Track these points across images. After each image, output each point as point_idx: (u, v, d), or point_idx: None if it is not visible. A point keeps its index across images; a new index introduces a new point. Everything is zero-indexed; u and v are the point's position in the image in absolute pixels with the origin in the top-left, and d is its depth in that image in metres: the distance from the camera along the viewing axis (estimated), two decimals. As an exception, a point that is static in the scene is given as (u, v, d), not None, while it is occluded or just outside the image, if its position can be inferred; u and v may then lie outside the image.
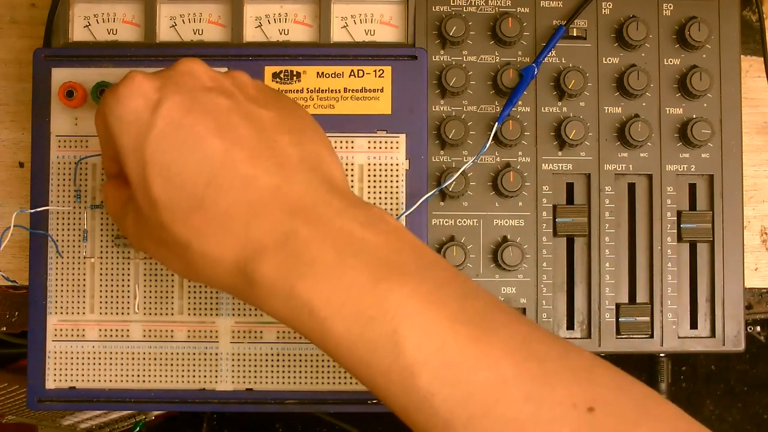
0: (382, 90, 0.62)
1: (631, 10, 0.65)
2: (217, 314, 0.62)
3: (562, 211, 0.64)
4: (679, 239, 0.64)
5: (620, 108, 0.65)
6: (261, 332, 0.62)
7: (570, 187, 0.65)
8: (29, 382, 0.62)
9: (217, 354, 0.61)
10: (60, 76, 0.62)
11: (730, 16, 0.65)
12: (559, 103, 0.65)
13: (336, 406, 0.61)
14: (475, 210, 0.64)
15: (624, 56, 0.65)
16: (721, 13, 0.65)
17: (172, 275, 0.62)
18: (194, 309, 0.62)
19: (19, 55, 0.69)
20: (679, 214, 0.64)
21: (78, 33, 0.65)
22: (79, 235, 0.62)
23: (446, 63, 0.64)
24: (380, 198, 0.62)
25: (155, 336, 0.62)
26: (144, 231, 0.51)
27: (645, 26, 0.64)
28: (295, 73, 0.63)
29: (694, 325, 0.65)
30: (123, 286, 0.62)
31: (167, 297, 0.62)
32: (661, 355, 0.67)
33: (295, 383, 0.61)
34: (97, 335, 0.62)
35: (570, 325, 0.64)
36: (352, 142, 0.62)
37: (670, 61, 0.65)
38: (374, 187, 0.62)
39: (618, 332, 0.64)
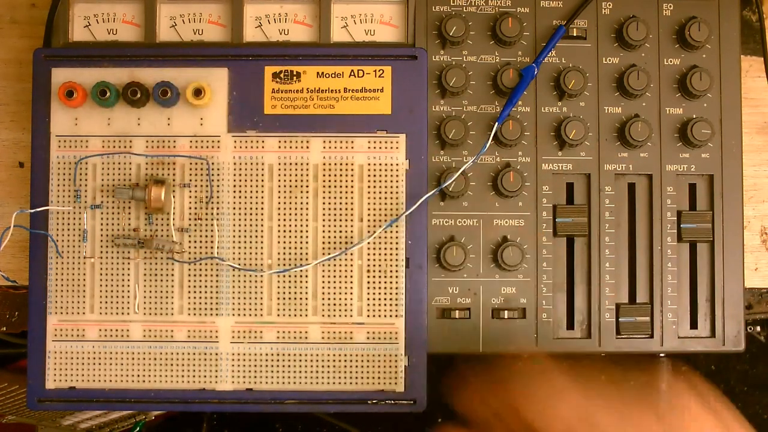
0: (382, 90, 0.62)
1: (631, 10, 0.65)
2: (217, 314, 0.62)
3: (562, 211, 0.64)
4: (679, 239, 0.64)
5: (620, 108, 0.65)
6: (261, 332, 0.62)
7: (570, 187, 0.65)
8: (29, 382, 0.62)
9: (217, 354, 0.61)
10: (60, 76, 0.62)
11: (730, 16, 0.65)
12: (559, 103, 0.65)
13: (336, 406, 0.61)
14: (475, 210, 0.64)
15: (624, 56, 0.65)
16: (721, 13, 0.65)
17: (172, 275, 0.62)
18: (194, 309, 0.62)
19: (19, 55, 0.69)
20: (679, 214, 0.64)
21: (78, 33, 0.65)
22: (79, 235, 0.62)
23: (446, 63, 0.64)
24: (380, 198, 0.62)
25: (155, 336, 0.62)
26: None
27: (645, 26, 0.64)
28: (295, 73, 0.63)
29: (694, 325, 0.65)
30: (123, 286, 0.62)
31: (167, 297, 0.62)
32: (661, 355, 0.67)
33: (295, 383, 0.61)
34: (97, 335, 0.62)
35: (570, 325, 0.64)
36: (352, 142, 0.62)
37: (670, 61, 0.65)
38: (374, 187, 0.62)
39: (618, 332, 0.64)
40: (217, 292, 0.62)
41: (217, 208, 0.62)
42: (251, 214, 0.62)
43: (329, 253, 0.61)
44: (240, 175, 0.62)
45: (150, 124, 0.62)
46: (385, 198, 0.62)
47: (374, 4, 0.64)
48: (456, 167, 0.63)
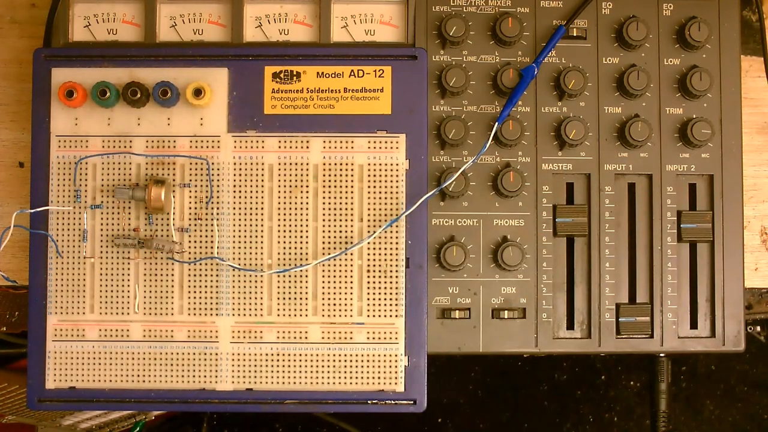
0: (382, 90, 0.62)
1: (631, 10, 0.65)
2: (217, 314, 0.62)
3: (562, 211, 0.64)
4: (679, 239, 0.64)
5: (620, 108, 0.65)
6: (261, 332, 0.62)
7: (570, 187, 0.65)
8: (29, 382, 0.62)
9: (217, 354, 0.61)
10: (60, 76, 0.62)
11: (730, 16, 0.65)
12: (559, 103, 0.65)
13: (336, 406, 0.61)
14: (475, 210, 0.64)
15: (624, 56, 0.65)
16: (721, 13, 0.65)
17: (172, 275, 0.62)
18: (194, 309, 0.62)
19: (20, 55, 0.69)
20: (679, 214, 0.64)
21: (78, 33, 0.65)
22: (79, 235, 0.62)
23: (446, 63, 0.64)
24: (380, 198, 0.62)
25: (155, 336, 0.62)
26: None
27: (645, 26, 0.64)
28: (295, 73, 0.63)
29: (694, 325, 0.65)
30: (123, 286, 0.62)
31: (167, 297, 0.62)
32: (661, 355, 0.67)
33: (295, 383, 0.61)
34: (97, 335, 0.62)
35: (570, 325, 0.64)
36: (352, 142, 0.62)
37: (670, 61, 0.65)
38: (374, 187, 0.62)
39: (618, 332, 0.64)
40: (217, 292, 0.62)
41: (217, 208, 0.62)
42: (251, 214, 0.62)
43: (329, 253, 0.61)
44: (240, 175, 0.62)
45: (150, 124, 0.62)
46: (385, 198, 0.62)
47: (374, 4, 0.65)
48: (456, 167, 0.63)
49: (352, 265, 0.62)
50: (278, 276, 0.62)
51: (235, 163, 0.62)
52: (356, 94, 0.62)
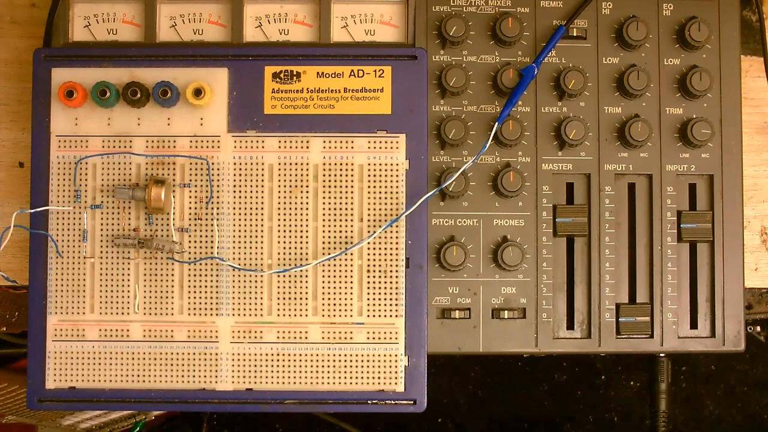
0: (382, 90, 0.62)
1: (631, 10, 0.65)
2: (217, 314, 0.62)
3: (562, 211, 0.64)
4: (679, 239, 0.64)
5: (620, 108, 0.65)
6: (261, 332, 0.62)
7: (570, 187, 0.65)
8: (29, 382, 0.62)
9: (217, 354, 0.61)
10: (60, 76, 0.62)
11: (730, 16, 0.65)
12: (559, 103, 0.65)
13: (336, 406, 0.61)
14: (475, 210, 0.64)
15: (624, 56, 0.65)
16: (721, 13, 0.65)
17: (172, 275, 0.62)
18: (194, 309, 0.62)
19: (20, 55, 0.69)
20: (679, 214, 0.65)
21: (78, 33, 0.65)
22: (79, 235, 0.62)
23: (446, 63, 0.64)
24: (380, 198, 0.62)
25: (155, 336, 0.62)
26: None
27: (645, 26, 0.64)
28: (295, 73, 0.63)
29: (694, 325, 0.65)
30: (123, 286, 0.62)
31: (167, 297, 0.62)
32: (661, 355, 0.67)
33: (295, 383, 0.61)
34: (97, 335, 0.62)
35: (570, 325, 0.64)
36: (352, 142, 0.62)
37: (670, 61, 0.65)
38: (374, 187, 0.62)
39: (618, 332, 0.64)
40: (217, 292, 0.62)
41: (217, 208, 0.62)
42: (251, 214, 0.62)
43: (329, 253, 0.61)
44: (240, 175, 0.62)
45: (150, 124, 0.62)
46: (385, 198, 0.62)
47: (374, 4, 0.65)
48: (456, 167, 0.63)
49: (352, 265, 0.62)
50: (278, 276, 0.62)
51: (235, 163, 0.62)
52: (356, 94, 0.63)
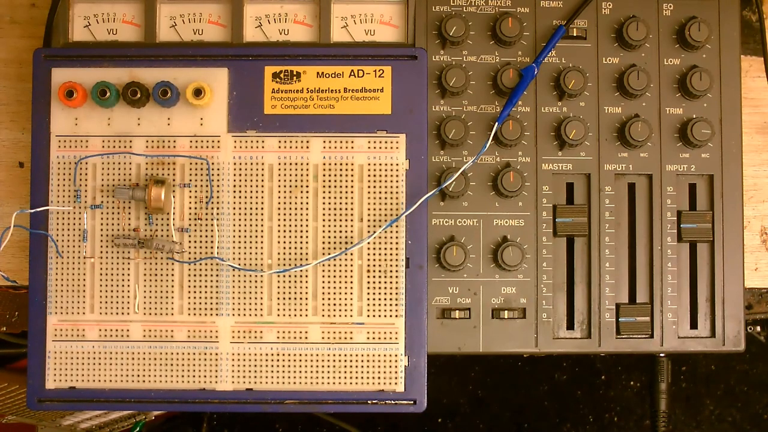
0: (382, 90, 0.62)
1: (631, 10, 0.65)
2: (217, 314, 0.62)
3: (562, 211, 0.64)
4: (679, 239, 0.64)
5: (620, 108, 0.65)
6: (261, 332, 0.62)
7: (570, 187, 0.65)
8: (29, 382, 0.62)
9: (217, 354, 0.61)
10: (60, 76, 0.62)
11: (730, 16, 0.65)
12: (559, 103, 0.65)
13: (336, 406, 0.61)
14: (475, 210, 0.64)
15: (624, 56, 0.65)
16: (721, 13, 0.65)
17: (172, 275, 0.62)
18: (194, 309, 0.62)
19: (20, 55, 0.69)
20: (679, 214, 0.65)
21: (78, 33, 0.65)
22: (79, 235, 0.62)
23: (446, 63, 0.64)
24: (380, 198, 0.62)
25: (155, 336, 0.62)
26: None
27: (645, 26, 0.64)
28: (295, 73, 0.63)
29: (694, 325, 0.65)
30: (123, 286, 0.62)
31: (167, 297, 0.62)
32: (661, 355, 0.67)
33: (295, 383, 0.61)
34: (97, 335, 0.62)
35: (570, 325, 0.64)
36: (352, 142, 0.62)
37: (670, 61, 0.65)
38: (374, 187, 0.62)
39: (618, 332, 0.64)
40: (217, 292, 0.62)
41: (217, 208, 0.62)
42: (251, 214, 0.62)
43: (329, 253, 0.61)
44: (240, 175, 0.62)
45: (150, 124, 0.62)
46: (385, 198, 0.62)
47: (374, 4, 0.65)
48: (456, 167, 0.63)
49: (352, 265, 0.62)
50: (278, 276, 0.62)
51: (235, 163, 0.62)
52: (356, 94, 0.63)
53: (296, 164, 0.62)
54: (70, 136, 0.62)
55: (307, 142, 0.62)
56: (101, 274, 0.62)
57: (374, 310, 0.61)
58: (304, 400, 0.61)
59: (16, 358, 0.89)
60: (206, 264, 0.62)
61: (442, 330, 0.63)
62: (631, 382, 1.33)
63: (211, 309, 0.62)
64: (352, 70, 0.63)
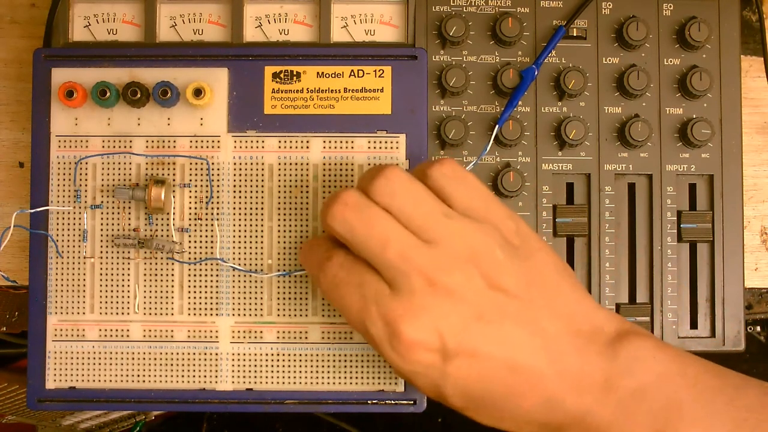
0: (382, 90, 0.62)
1: (631, 10, 0.65)
2: (217, 314, 0.62)
3: (562, 211, 0.64)
4: (679, 239, 0.64)
5: (620, 108, 0.65)
6: (261, 332, 0.62)
7: (570, 187, 0.65)
8: (29, 382, 0.62)
9: (217, 354, 0.61)
10: (60, 76, 0.62)
11: (730, 16, 0.65)
12: (559, 103, 0.65)
13: (336, 406, 0.61)
14: (475, 210, 0.64)
15: (624, 56, 0.65)
16: (721, 13, 0.65)
17: (172, 275, 0.62)
18: (194, 309, 0.62)
19: (20, 55, 0.69)
20: (679, 214, 0.64)
21: (78, 33, 0.65)
22: (79, 235, 0.62)
23: (446, 63, 0.64)
24: (380, 198, 0.62)
25: (155, 336, 0.62)
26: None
27: (645, 26, 0.64)
28: (295, 73, 0.63)
29: (694, 325, 0.65)
30: (123, 286, 0.62)
31: (167, 297, 0.62)
32: (661, 355, 0.67)
33: (295, 383, 0.61)
34: (97, 335, 0.62)
35: (570, 325, 0.64)
36: (352, 142, 0.62)
37: (670, 61, 0.65)
38: (374, 187, 0.62)
39: (618, 332, 0.64)
40: (217, 292, 0.62)
41: (217, 208, 0.62)
42: (251, 214, 0.62)
43: (329, 253, 0.61)
44: (240, 175, 0.62)
45: (150, 124, 0.62)
46: (385, 198, 0.62)
47: (374, 4, 0.65)
48: (456, 167, 0.63)
49: (352, 265, 0.62)
50: (278, 276, 0.61)
51: (235, 163, 0.62)
52: (356, 94, 0.62)
53: (296, 164, 0.62)
54: (70, 136, 0.62)
55: (307, 142, 0.62)
56: (101, 274, 0.62)
57: (374, 310, 0.61)
58: (304, 400, 0.61)
59: (16, 358, 0.89)
60: (206, 264, 0.61)
61: (442, 330, 0.63)
62: (631, 382, 1.33)
63: (211, 309, 0.62)
64: (352, 70, 0.63)
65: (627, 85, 0.64)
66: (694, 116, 0.64)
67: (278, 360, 0.61)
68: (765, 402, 0.51)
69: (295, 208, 0.62)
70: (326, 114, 0.62)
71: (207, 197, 0.62)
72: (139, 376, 0.62)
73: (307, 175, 0.62)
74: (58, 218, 0.62)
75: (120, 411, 0.96)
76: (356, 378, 0.61)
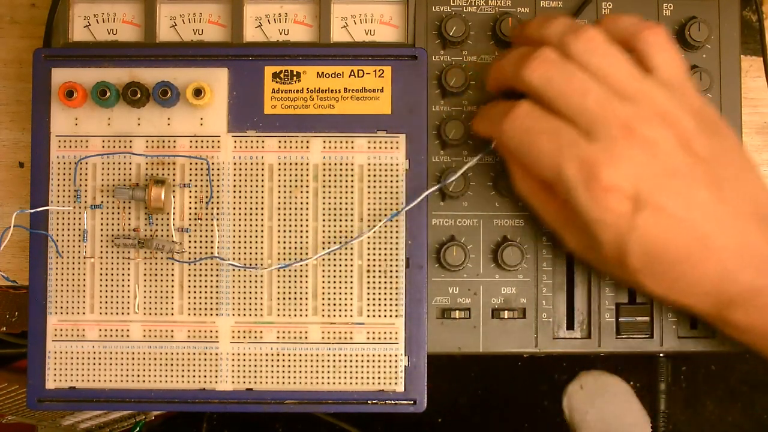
0: (382, 90, 0.62)
1: (631, 10, 0.65)
2: (217, 314, 0.62)
3: (562, 211, 0.64)
4: (679, 239, 0.64)
5: (620, 108, 0.65)
6: (261, 332, 0.62)
7: (570, 187, 0.65)
8: (29, 382, 0.62)
9: (217, 354, 0.62)
10: (60, 76, 0.62)
11: (730, 16, 0.65)
12: (559, 103, 0.65)
13: (336, 406, 0.61)
14: (475, 210, 0.64)
15: (624, 56, 0.65)
16: (721, 13, 0.65)
17: (172, 275, 0.62)
18: (194, 309, 0.62)
19: (19, 55, 0.69)
20: (679, 214, 0.64)
21: (78, 33, 0.65)
22: (79, 235, 0.62)
23: (446, 63, 0.64)
24: (380, 198, 0.62)
25: (155, 336, 0.62)
26: (593, 256, 0.55)
27: (645, 26, 0.64)
28: (295, 73, 0.63)
29: (694, 325, 0.64)
30: (123, 286, 0.62)
31: (167, 297, 0.62)
32: (661, 355, 0.67)
33: (295, 383, 0.61)
34: (97, 335, 0.62)
35: (570, 325, 0.64)
36: (352, 142, 0.62)
37: (670, 61, 0.65)
38: (374, 187, 0.62)
39: (618, 332, 0.64)
40: (217, 292, 0.62)
41: (217, 208, 0.62)
42: (251, 213, 0.62)
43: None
44: (240, 175, 0.62)
45: (150, 124, 0.62)
46: (385, 198, 0.62)
47: (374, 4, 0.65)
48: (456, 167, 0.63)
49: (351, 265, 0.62)
50: (278, 276, 0.62)
51: (235, 163, 0.62)
52: (356, 94, 0.63)
53: (296, 164, 0.62)
54: (70, 136, 0.62)
55: (307, 142, 0.62)
56: (101, 274, 0.62)
57: (374, 310, 0.61)
58: (304, 400, 0.61)
59: (16, 358, 0.89)
60: (206, 264, 0.62)
61: (442, 330, 0.63)
62: (631, 382, 1.33)
63: (211, 309, 0.62)
64: (352, 70, 0.63)
65: (627, 85, 0.64)
66: (694, 116, 0.64)
67: (278, 360, 0.61)
68: None
69: (295, 208, 0.62)
70: (326, 114, 0.62)
71: (207, 197, 0.62)
72: (139, 376, 0.62)
73: (307, 175, 0.62)
74: (58, 218, 0.62)
75: (120, 411, 0.96)
76: (356, 378, 0.61)
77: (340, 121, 0.62)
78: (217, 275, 0.62)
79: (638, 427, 1.29)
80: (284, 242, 0.62)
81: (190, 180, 0.62)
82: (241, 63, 0.63)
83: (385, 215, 0.62)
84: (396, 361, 0.61)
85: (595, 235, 0.53)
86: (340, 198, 0.62)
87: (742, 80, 0.65)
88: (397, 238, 0.62)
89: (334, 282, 0.62)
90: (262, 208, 0.62)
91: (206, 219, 0.62)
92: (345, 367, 0.61)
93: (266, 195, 0.62)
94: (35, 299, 0.62)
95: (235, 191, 0.62)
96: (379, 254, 0.62)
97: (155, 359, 0.62)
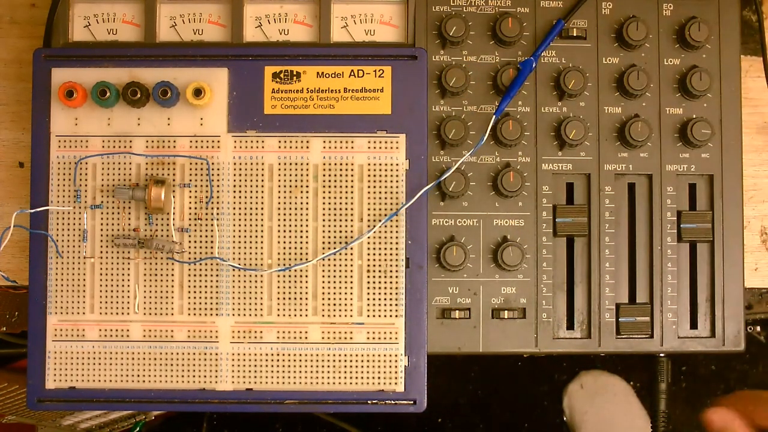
0: (382, 90, 0.62)
1: (631, 10, 0.65)
2: (217, 314, 0.62)
3: (562, 211, 0.64)
4: (679, 239, 0.64)
5: (620, 108, 0.65)
6: (261, 332, 0.62)
7: (570, 187, 0.65)
8: (29, 382, 0.62)
9: (217, 354, 0.62)
10: (60, 76, 0.62)
11: (730, 16, 0.65)
12: (559, 103, 0.65)
13: (336, 406, 0.61)
14: (475, 210, 0.64)
15: (624, 56, 0.65)
16: (721, 13, 0.65)
17: (172, 275, 0.62)
18: (194, 309, 0.62)
19: (19, 55, 0.69)
20: (679, 214, 0.64)
21: (78, 33, 0.65)
22: (79, 235, 0.62)
23: (446, 63, 0.64)
24: (380, 198, 0.62)
25: (155, 336, 0.62)
26: None
27: (645, 26, 0.64)
28: (295, 73, 0.63)
29: (694, 325, 0.65)
30: (123, 286, 0.62)
31: (167, 297, 0.62)
32: (661, 355, 0.67)
33: (295, 383, 0.61)
34: (97, 335, 0.62)
35: (570, 325, 0.64)
36: (352, 142, 0.62)
37: (670, 61, 0.65)
38: (374, 187, 0.62)
39: (618, 332, 0.64)
40: (217, 292, 0.62)
41: (217, 208, 0.62)
42: (251, 214, 0.62)
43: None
44: (240, 175, 0.62)
45: (150, 124, 0.62)
46: (385, 198, 0.62)
47: (374, 4, 0.65)
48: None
49: (352, 265, 0.62)
50: (278, 276, 0.62)
51: (235, 163, 0.62)
52: (356, 94, 0.63)
53: (296, 164, 0.62)
54: (70, 136, 0.62)
55: (307, 142, 0.62)
56: (101, 274, 0.62)
57: (374, 310, 0.61)
58: (303, 400, 0.61)
59: (16, 358, 0.89)
60: (206, 264, 0.62)
61: (442, 330, 0.63)
62: (631, 382, 1.33)
63: (211, 309, 0.62)
64: (352, 70, 0.63)
65: (627, 85, 0.64)
66: (694, 116, 0.64)
67: (278, 360, 0.61)
68: None
69: (295, 208, 0.62)
70: (326, 114, 0.62)
71: (207, 197, 0.62)
72: (139, 376, 0.62)
73: (307, 175, 0.62)
74: (58, 218, 0.62)
75: (120, 411, 0.96)
76: (356, 378, 0.61)
77: (340, 121, 0.62)
78: (217, 275, 0.62)
79: (638, 427, 1.29)
80: (284, 242, 0.62)
81: (190, 180, 0.62)
82: (241, 63, 0.63)
83: (385, 215, 0.62)
84: (396, 361, 0.61)
85: None
86: (340, 198, 0.62)
87: (742, 80, 0.65)
88: (397, 238, 0.62)
89: (334, 282, 0.62)
90: (262, 208, 0.62)
91: (206, 219, 0.62)
92: (345, 367, 0.61)
93: (266, 195, 0.62)
94: (35, 299, 0.62)
95: (235, 191, 0.62)
96: (379, 254, 0.62)
97: (155, 359, 0.62)
